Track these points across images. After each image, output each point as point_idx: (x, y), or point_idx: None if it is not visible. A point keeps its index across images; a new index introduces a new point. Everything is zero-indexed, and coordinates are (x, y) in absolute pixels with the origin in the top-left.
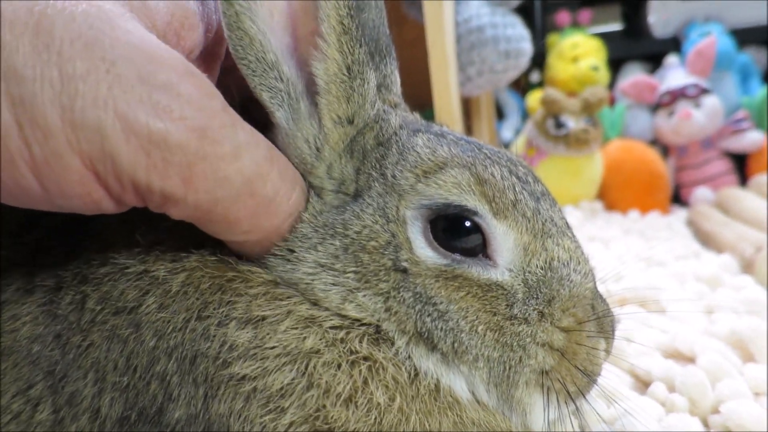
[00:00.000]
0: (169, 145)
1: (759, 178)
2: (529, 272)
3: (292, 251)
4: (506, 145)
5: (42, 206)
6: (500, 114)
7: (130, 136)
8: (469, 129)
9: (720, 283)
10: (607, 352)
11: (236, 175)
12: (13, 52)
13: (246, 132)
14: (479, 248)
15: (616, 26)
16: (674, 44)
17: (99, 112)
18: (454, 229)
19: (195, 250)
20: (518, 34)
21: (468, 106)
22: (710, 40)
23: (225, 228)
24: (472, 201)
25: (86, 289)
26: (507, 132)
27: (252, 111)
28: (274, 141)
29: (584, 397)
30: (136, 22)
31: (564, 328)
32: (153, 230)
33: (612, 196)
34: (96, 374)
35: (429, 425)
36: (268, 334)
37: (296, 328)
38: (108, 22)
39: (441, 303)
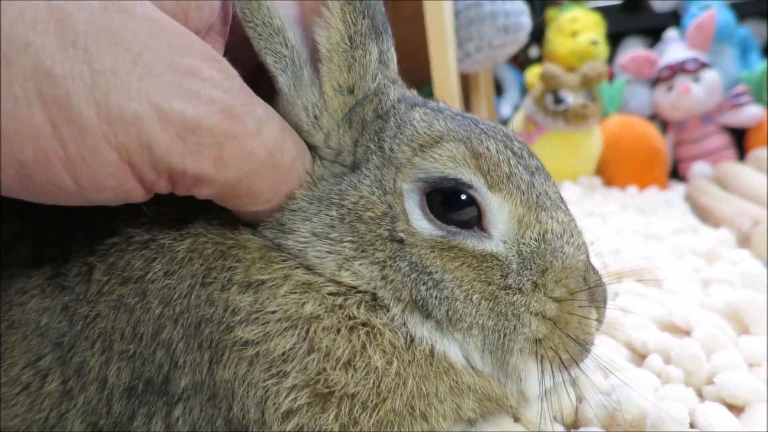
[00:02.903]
0: (202, 129)
1: (757, 153)
2: (523, 244)
3: (284, 224)
4: (505, 122)
5: (72, 201)
6: (499, 90)
7: (166, 124)
8: (467, 105)
9: (717, 257)
10: (599, 321)
11: (260, 149)
12: (40, 50)
13: (262, 107)
14: (474, 220)
15: (615, 0)
16: (674, 18)
17: (133, 103)
18: (449, 202)
19: (199, 217)
20: (517, 8)
21: (466, 83)
22: (710, 13)
23: (248, 201)
24: (467, 174)
25: (93, 260)
26: (506, 108)
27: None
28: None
29: (577, 365)
30: (149, 5)
31: (556, 299)
32: (156, 201)
33: (610, 172)
34: (103, 344)
35: (426, 389)
36: (268, 298)
37: (295, 293)
38: (124, 10)
39: (436, 272)
